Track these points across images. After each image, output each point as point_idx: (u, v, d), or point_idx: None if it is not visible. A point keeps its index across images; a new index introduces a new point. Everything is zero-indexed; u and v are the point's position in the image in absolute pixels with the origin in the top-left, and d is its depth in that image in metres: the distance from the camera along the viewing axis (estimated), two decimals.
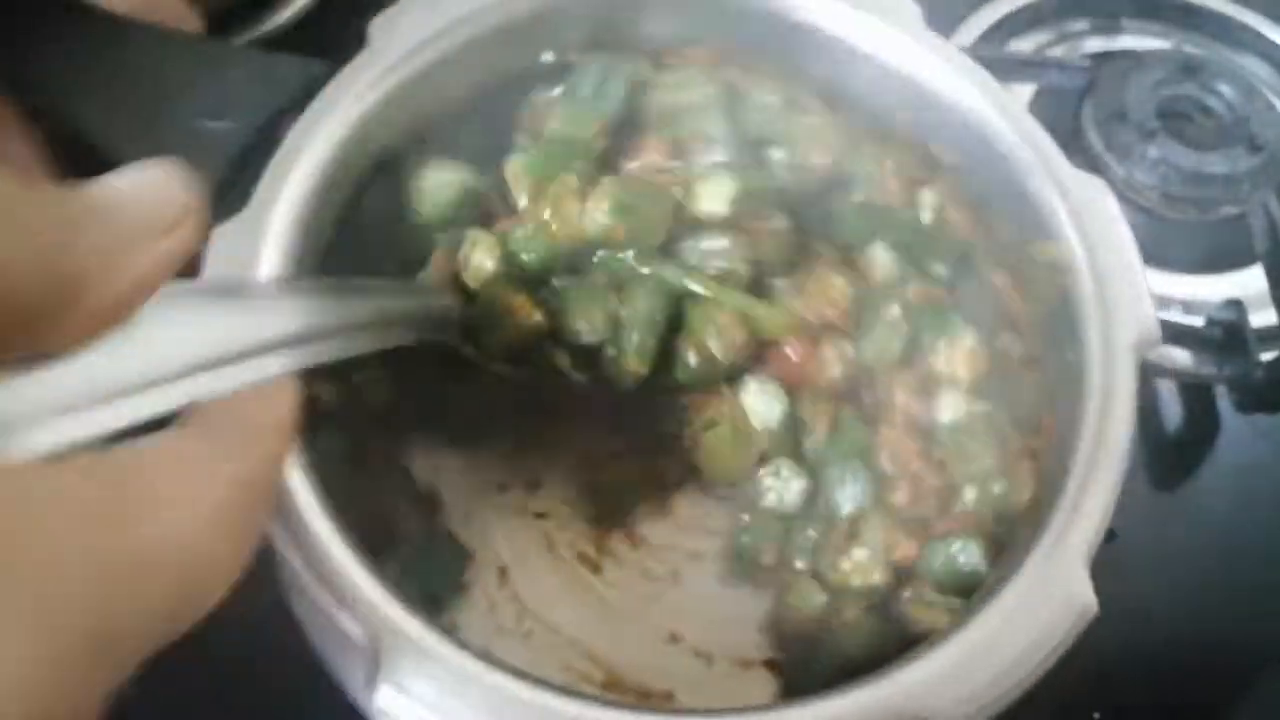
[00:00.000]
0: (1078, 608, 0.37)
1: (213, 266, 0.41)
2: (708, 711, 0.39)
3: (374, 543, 0.47)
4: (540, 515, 0.52)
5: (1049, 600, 0.37)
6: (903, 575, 0.46)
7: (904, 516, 0.48)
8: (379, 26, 0.48)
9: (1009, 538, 0.44)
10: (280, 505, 0.37)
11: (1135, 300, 0.42)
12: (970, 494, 0.48)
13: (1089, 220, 0.44)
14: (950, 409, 0.50)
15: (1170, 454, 0.65)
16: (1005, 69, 0.72)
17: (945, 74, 0.48)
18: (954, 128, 0.48)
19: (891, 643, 0.43)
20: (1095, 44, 0.79)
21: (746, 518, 0.50)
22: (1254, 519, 0.63)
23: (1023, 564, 0.38)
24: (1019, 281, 0.48)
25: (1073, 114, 0.70)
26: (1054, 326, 0.45)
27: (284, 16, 0.72)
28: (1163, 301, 0.67)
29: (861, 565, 0.47)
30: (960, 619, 0.38)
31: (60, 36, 0.49)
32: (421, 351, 0.52)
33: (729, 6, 0.50)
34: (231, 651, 0.47)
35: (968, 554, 0.45)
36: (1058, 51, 0.78)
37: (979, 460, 0.48)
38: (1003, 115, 0.47)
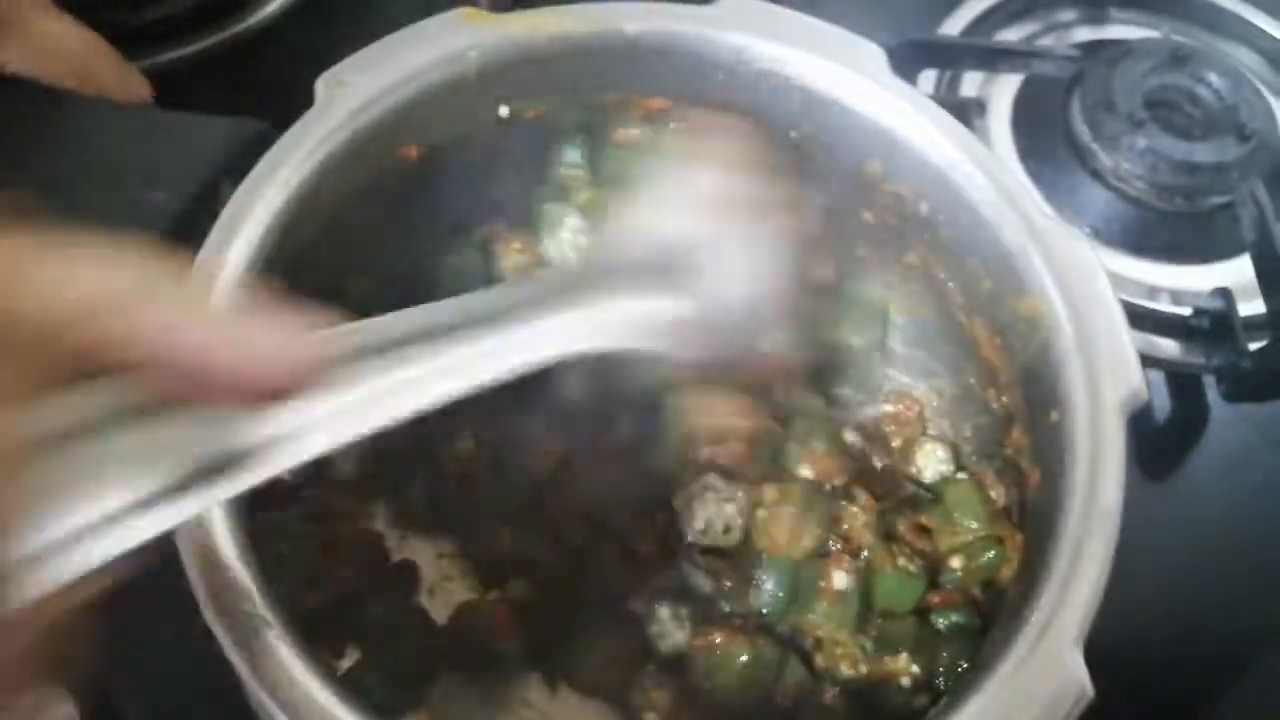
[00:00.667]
0: (1073, 692, 0.36)
1: None
2: None
3: (338, 627, 0.47)
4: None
5: (1041, 685, 0.36)
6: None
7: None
8: (326, 83, 0.46)
9: (997, 609, 0.43)
10: (221, 611, 0.36)
11: (1119, 356, 0.41)
12: (957, 563, 0.47)
13: (1068, 273, 0.42)
14: (933, 472, 0.49)
15: (1159, 444, 0.64)
16: (992, 59, 0.72)
17: (912, 120, 0.46)
18: (924, 176, 0.47)
19: None
20: (1083, 33, 0.77)
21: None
22: (1242, 507, 0.62)
23: (1012, 646, 0.37)
24: (998, 334, 0.47)
25: (1060, 104, 0.69)
26: (1035, 382, 0.44)
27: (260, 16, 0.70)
28: (1150, 291, 0.66)
29: (850, 654, 0.47)
30: (948, 707, 0.37)
31: None
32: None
33: (692, 55, 0.48)
34: None
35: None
36: (1046, 41, 0.76)
37: (966, 529, 0.47)
38: (973, 162, 0.45)
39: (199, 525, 0.37)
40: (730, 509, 0.49)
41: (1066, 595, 0.37)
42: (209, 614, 0.36)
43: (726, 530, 0.49)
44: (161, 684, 0.50)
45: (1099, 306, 0.41)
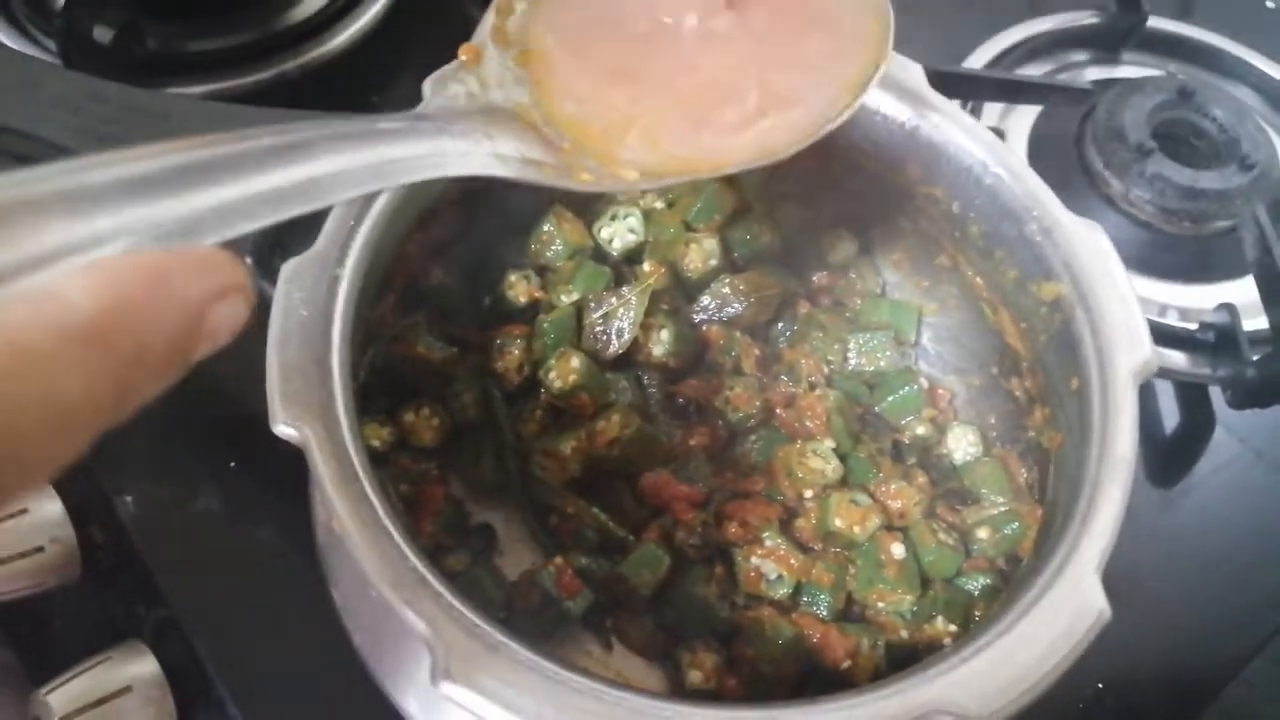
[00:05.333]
0: (1093, 613, 0.42)
1: (284, 295, 0.47)
2: (759, 704, 0.43)
3: None
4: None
5: (1065, 606, 0.43)
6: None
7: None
8: (432, 83, 0.53)
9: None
10: (354, 511, 0.42)
11: (1131, 329, 0.48)
12: (984, 534, 0.54)
13: (1085, 258, 0.50)
14: (963, 454, 0.58)
15: (1168, 452, 0.71)
16: (1012, 90, 0.80)
17: (949, 130, 0.54)
18: (958, 178, 0.55)
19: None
20: (1096, 73, 0.86)
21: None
22: (1246, 508, 0.69)
23: (1039, 574, 0.44)
24: (1023, 320, 0.54)
25: (1075, 134, 0.78)
26: (1057, 357, 0.51)
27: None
28: (1160, 309, 0.74)
29: (894, 622, 0.55)
30: (982, 625, 0.44)
31: (115, 109, 0.55)
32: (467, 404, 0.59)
33: None
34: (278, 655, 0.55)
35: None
36: (1061, 78, 0.84)
37: (993, 503, 0.55)
38: (1003, 167, 0.53)
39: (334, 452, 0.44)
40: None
41: (1087, 529, 0.44)
42: (342, 525, 0.42)
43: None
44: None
45: (1113, 286, 0.49)
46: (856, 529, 0.55)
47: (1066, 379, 0.50)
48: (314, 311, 0.47)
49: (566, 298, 0.61)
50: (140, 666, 0.58)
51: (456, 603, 0.41)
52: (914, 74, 0.54)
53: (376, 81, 0.80)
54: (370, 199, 0.50)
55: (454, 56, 0.54)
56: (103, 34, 0.73)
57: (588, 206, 0.63)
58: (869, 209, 0.62)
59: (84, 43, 0.73)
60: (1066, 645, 0.42)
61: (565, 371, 0.58)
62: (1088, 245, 0.50)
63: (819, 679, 0.53)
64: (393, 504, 0.52)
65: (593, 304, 0.60)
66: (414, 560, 0.42)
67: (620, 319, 0.60)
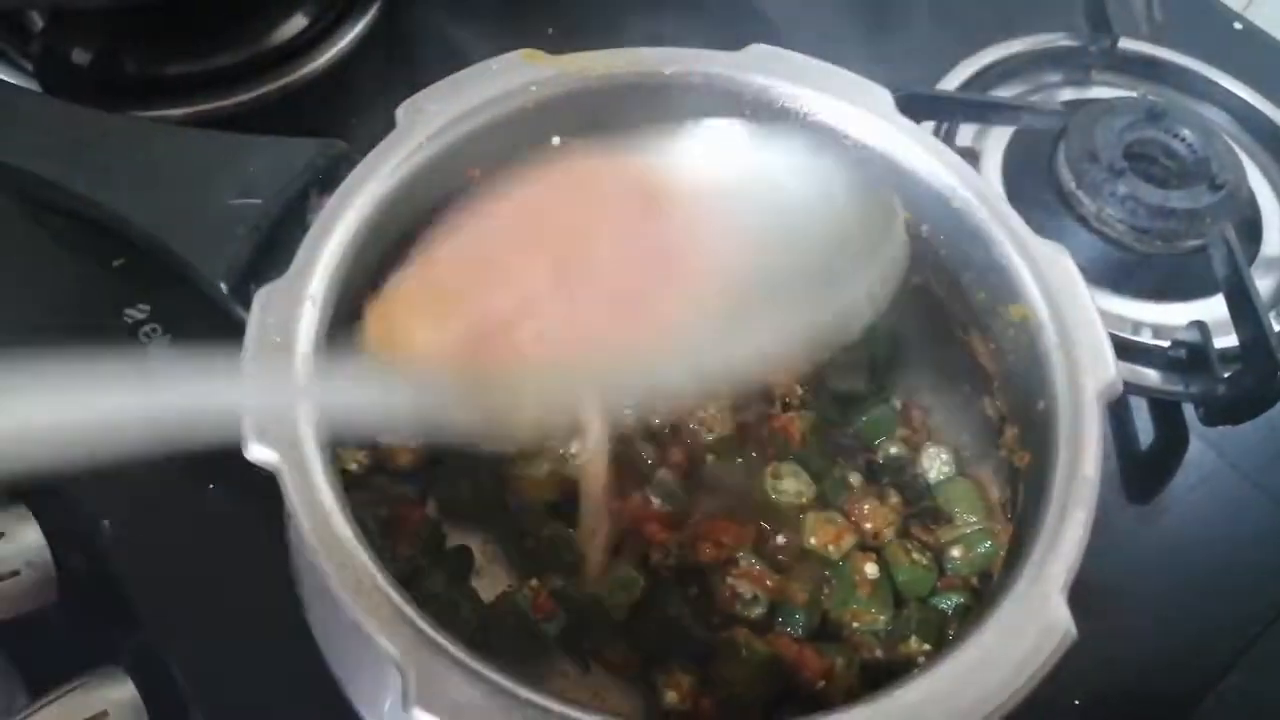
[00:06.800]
0: (1058, 633, 0.43)
1: (258, 321, 0.47)
2: None
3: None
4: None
5: (1031, 626, 0.43)
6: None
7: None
8: (406, 109, 0.54)
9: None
10: (325, 536, 0.43)
11: (1097, 350, 0.49)
12: (958, 553, 0.55)
13: (1051, 280, 0.50)
14: (936, 473, 0.58)
15: (1144, 468, 0.72)
16: (986, 111, 0.82)
17: (918, 155, 0.55)
18: (928, 202, 0.55)
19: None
20: (1068, 93, 0.87)
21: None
22: (1223, 522, 0.70)
23: (1007, 594, 0.44)
24: (992, 340, 0.55)
25: (1047, 155, 0.79)
26: (1025, 378, 0.52)
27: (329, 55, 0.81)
28: (1134, 326, 0.74)
29: (869, 641, 0.55)
30: (950, 645, 0.44)
31: (94, 137, 0.55)
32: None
33: (721, 94, 0.57)
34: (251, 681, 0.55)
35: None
36: (1034, 99, 0.86)
37: (966, 522, 0.56)
38: (971, 190, 0.54)
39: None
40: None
41: (1054, 549, 0.45)
42: (314, 552, 0.42)
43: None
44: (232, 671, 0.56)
45: (1078, 308, 0.50)
46: (831, 548, 0.55)
47: (1034, 399, 0.50)
48: (287, 337, 0.47)
49: None
50: (117, 692, 0.58)
51: (428, 628, 0.41)
52: (882, 100, 0.55)
53: (357, 104, 0.80)
54: (340, 218, 0.50)
55: (436, 79, 0.55)
56: (81, 57, 0.73)
57: None
58: None
59: (62, 66, 0.73)
60: (1033, 665, 0.42)
61: None
62: (1054, 268, 0.51)
63: (794, 699, 0.53)
64: (367, 528, 0.54)
65: None
66: (385, 585, 0.42)
67: None
